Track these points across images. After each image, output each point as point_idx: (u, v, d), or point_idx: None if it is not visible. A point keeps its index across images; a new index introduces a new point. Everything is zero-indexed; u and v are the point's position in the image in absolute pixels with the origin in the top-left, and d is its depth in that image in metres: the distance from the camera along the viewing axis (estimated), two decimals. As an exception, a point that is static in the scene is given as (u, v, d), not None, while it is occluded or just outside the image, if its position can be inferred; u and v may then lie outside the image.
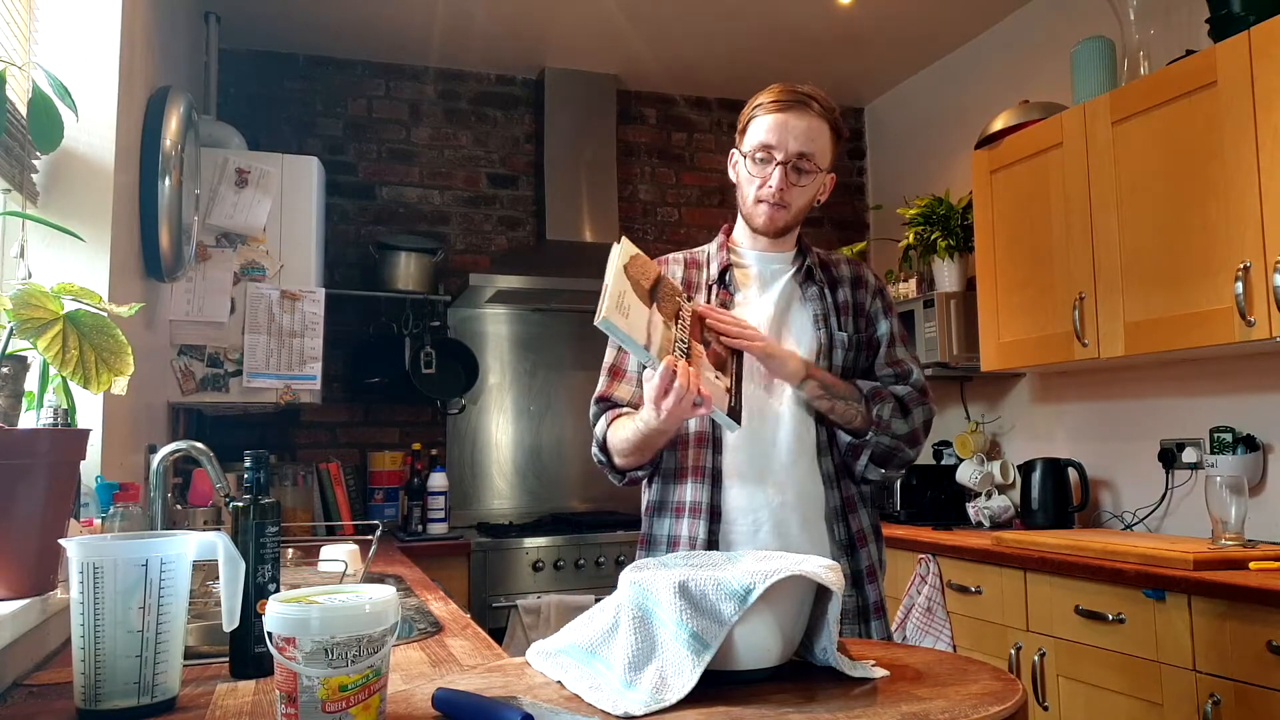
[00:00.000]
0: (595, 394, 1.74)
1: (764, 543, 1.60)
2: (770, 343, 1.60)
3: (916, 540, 2.97)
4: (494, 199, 3.97)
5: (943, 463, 3.67)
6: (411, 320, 3.63)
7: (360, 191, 3.80)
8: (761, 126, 1.64)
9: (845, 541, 1.64)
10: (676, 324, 1.50)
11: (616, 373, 1.74)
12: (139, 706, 1.05)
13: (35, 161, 1.85)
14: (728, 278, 1.71)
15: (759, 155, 1.64)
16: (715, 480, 1.62)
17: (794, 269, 1.72)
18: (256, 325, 2.88)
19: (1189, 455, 2.77)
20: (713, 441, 1.63)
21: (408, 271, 3.59)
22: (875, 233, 4.39)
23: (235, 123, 3.19)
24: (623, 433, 1.62)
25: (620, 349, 1.72)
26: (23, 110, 1.68)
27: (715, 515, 1.61)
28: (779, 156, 1.62)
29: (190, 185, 2.53)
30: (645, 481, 1.73)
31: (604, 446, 1.69)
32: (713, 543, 1.60)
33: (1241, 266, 2.21)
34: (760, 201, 1.66)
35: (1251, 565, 2.09)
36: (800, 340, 1.66)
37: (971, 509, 3.26)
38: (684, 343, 1.48)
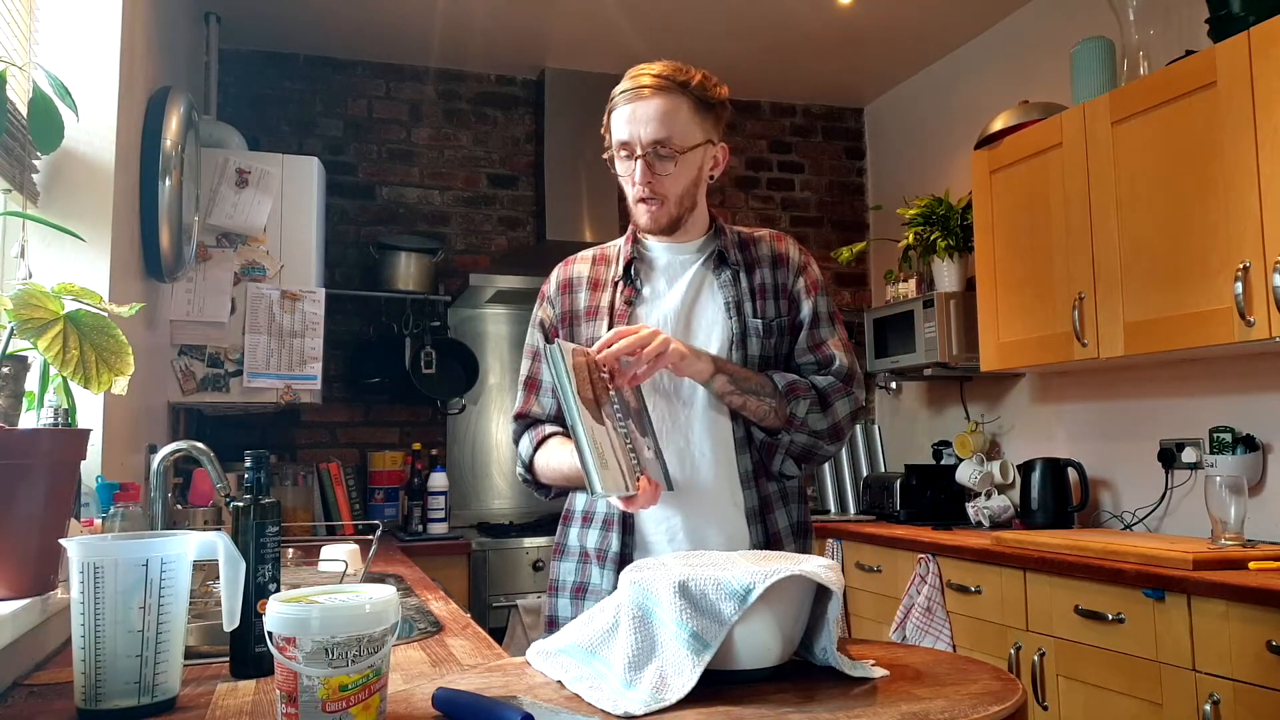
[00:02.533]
0: (514, 410, 1.69)
1: (680, 550, 1.52)
2: (675, 349, 1.45)
3: (916, 540, 2.97)
4: (494, 199, 3.97)
5: (942, 463, 3.67)
6: (411, 320, 3.63)
7: (360, 191, 3.80)
8: (616, 121, 1.56)
9: (761, 543, 1.55)
10: (614, 414, 1.40)
11: (533, 385, 1.68)
12: (139, 706, 1.05)
13: (35, 161, 1.85)
14: (633, 272, 1.63)
15: (621, 154, 1.56)
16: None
17: (704, 255, 1.63)
18: (257, 325, 2.88)
19: (1189, 455, 2.77)
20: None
21: (408, 271, 3.60)
22: (875, 233, 4.39)
23: (235, 123, 3.19)
24: (555, 464, 1.57)
25: (534, 359, 1.68)
26: (23, 110, 1.68)
27: (627, 526, 1.54)
28: (637, 150, 1.53)
29: (190, 185, 2.53)
30: None
31: (529, 467, 1.64)
32: (625, 554, 1.53)
33: (1241, 266, 2.21)
34: (638, 201, 1.56)
35: (1251, 565, 2.09)
36: (711, 332, 1.57)
37: (971, 509, 3.26)
38: (629, 439, 1.39)
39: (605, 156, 1.61)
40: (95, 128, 1.99)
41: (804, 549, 1.63)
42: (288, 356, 2.90)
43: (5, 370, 1.33)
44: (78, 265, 1.91)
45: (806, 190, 4.42)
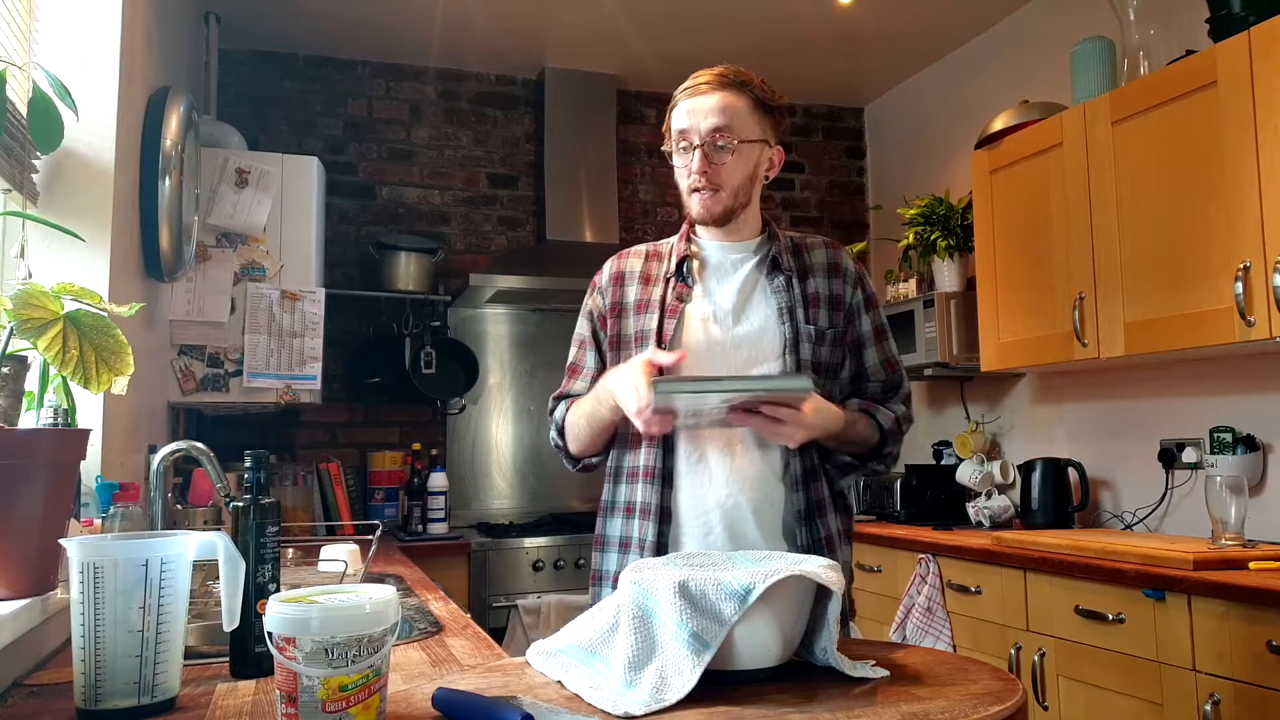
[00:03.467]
0: (555, 393, 1.75)
1: (716, 546, 1.54)
2: (809, 435, 1.48)
3: (916, 540, 2.97)
4: (494, 199, 3.97)
5: (943, 463, 3.67)
6: (411, 320, 3.63)
7: (360, 191, 3.80)
8: (676, 115, 1.60)
9: (808, 547, 1.56)
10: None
11: (575, 371, 1.73)
12: (139, 706, 1.05)
13: (35, 161, 1.85)
14: (685, 269, 1.65)
15: (680, 145, 1.59)
16: (665, 480, 1.57)
17: (757, 258, 1.65)
18: (256, 325, 2.88)
19: (1189, 455, 2.77)
20: (663, 440, 1.57)
21: (408, 271, 3.60)
22: (875, 233, 4.39)
23: (235, 123, 3.19)
24: (580, 410, 1.63)
25: (580, 346, 1.73)
26: (23, 110, 1.68)
27: (665, 516, 1.56)
28: (695, 140, 1.56)
29: (190, 185, 2.53)
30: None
31: (562, 431, 1.70)
32: (661, 545, 1.55)
33: (1241, 266, 2.21)
34: (692, 191, 1.59)
35: (1251, 565, 2.09)
36: (762, 335, 1.59)
37: (971, 509, 3.26)
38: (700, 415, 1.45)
39: (665, 150, 1.65)
40: (95, 128, 1.99)
41: (848, 554, 1.66)
42: (287, 356, 2.90)
43: (5, 370, 1.33)
44: (78, 265, 1.91)
45: (806, 190, 4.42)
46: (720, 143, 1.56)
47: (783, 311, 1.60)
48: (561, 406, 1.71)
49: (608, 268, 1.74)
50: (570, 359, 1.74)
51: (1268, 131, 2.17)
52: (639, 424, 1.44)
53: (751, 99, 1.59)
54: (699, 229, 1.69)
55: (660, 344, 1.59)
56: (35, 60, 1.86)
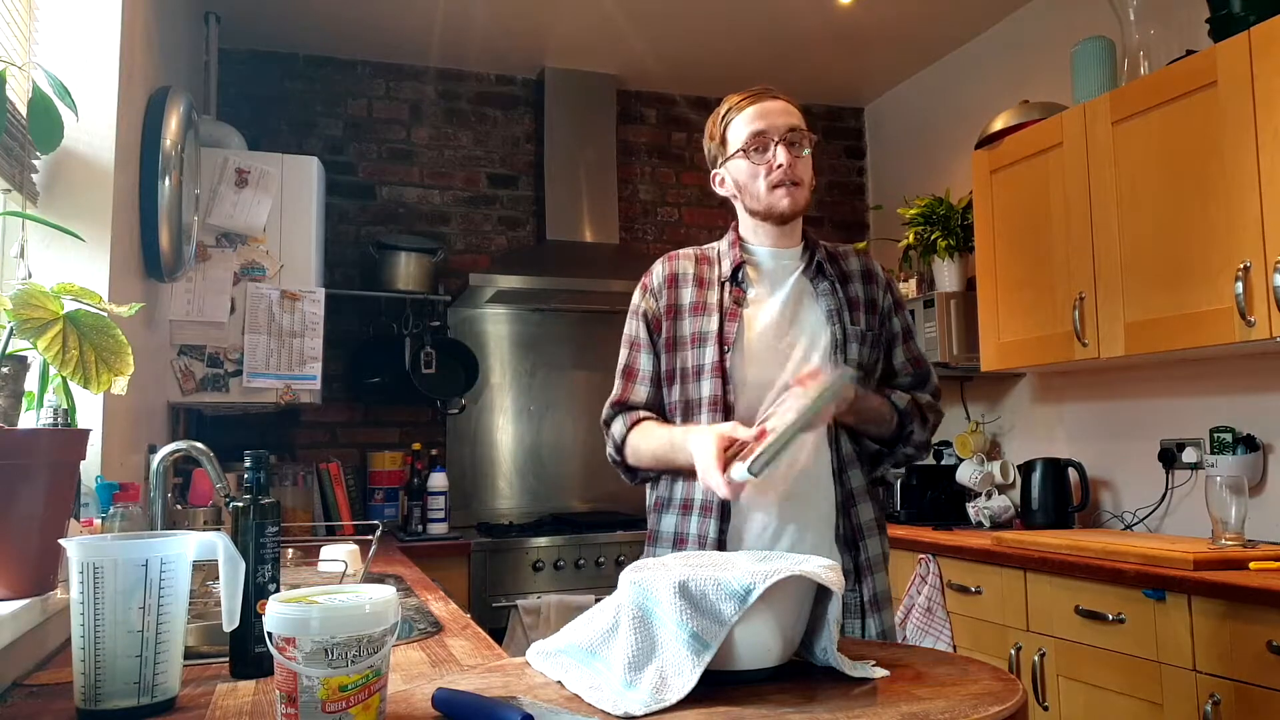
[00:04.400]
0: (611, 398, 1.74)
1: (767, 541, 1.59)
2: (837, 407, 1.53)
3: (916, 540, 2.97)
4: (494, 199, 3.97)
5: (943, 463, 3.67)
6: (411, 320, 3.63)
7: (360, 191, 3.80)
8: (745, 120, 1.66)
9: (846, 535, 1.63)
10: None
11: (631, 374, 1.73)
12: (139, 706, 1.05)
13: (35, 161, 1.85)
14: (740, 275, 1.70)
15: (755, 146, 1.64)
16: None
17: (803, 264, 1.72)
18: (256, 325, 2.88)
19: (1189, 455, 2.77)
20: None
21: (408, 271, 3.59)
22: (875, 233, 4.39)
23: (235, 123, 3.19)
24: (649, 445, 1.65)
25: (632, 348, 1.74)
26: (23, 110, 1.68)
27: (725, 514, 1.60)
28: (775, 136, 1.63)
29: (190, 185, 2.53)
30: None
31: (620, 448, 1.71)
32: (722, 541, 1.59)
33: (1241, 267, 2.21)
34: (776, 186, 1.64)
35: (1251, 565, 2.09)
36: (814, 336, 1.65)
37: (971, 509, 3.26)
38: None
39: (739, 151, 1.67)
40: (95, 128, 1.99)
41: (882, 543, 1.71)
42: (287, 356, 2.90)
43: (5, 370, 1.33)
44: (77, 265, 1.91)
45: (806, 190, 4.41)
46: (797, 140, 1.64)
47: (831, 314, 1.68)
48: (620, 422, 1.71)
49: (659, 269, 1.76)
50: (623, 361, 1.75)
51: (1268, 132, 2.17)
52: (725, 495, 1.46)
53: (802, 116, 1.70)
54: (747, 236, 1.74)
55: (722, 346, 1.63)
56: (35, 60, 1.86)
